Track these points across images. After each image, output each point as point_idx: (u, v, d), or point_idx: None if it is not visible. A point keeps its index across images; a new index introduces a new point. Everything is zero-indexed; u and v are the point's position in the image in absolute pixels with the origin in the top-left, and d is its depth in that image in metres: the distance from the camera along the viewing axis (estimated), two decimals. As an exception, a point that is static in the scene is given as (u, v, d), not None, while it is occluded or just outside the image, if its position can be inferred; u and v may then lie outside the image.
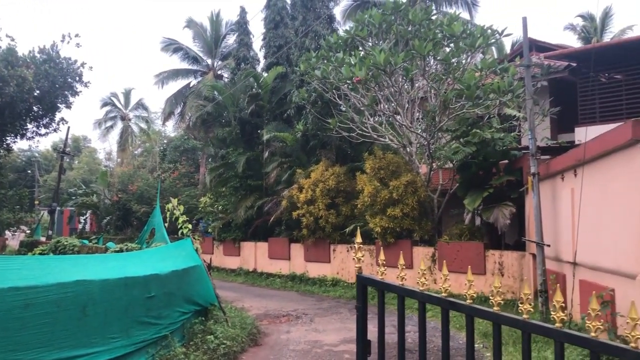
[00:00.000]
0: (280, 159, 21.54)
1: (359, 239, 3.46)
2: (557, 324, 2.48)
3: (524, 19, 11.04)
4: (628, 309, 6.83)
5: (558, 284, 10.32)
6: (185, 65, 37.56)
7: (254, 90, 23.02)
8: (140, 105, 52.38)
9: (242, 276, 21.75)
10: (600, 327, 2.40)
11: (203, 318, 9.53)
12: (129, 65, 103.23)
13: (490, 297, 2.76)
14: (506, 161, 14.82)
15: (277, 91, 22.82)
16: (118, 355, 7.28)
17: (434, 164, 16.17)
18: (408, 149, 16.67)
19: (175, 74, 37.26)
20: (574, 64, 15.76)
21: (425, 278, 3.10)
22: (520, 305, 2.63)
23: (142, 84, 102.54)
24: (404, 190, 15.60)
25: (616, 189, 7.81)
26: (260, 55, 25.69)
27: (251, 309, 13.65)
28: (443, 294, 2.97)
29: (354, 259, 3.54)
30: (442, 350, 2.96)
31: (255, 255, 22.06)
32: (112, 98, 51.43)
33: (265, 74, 23.28)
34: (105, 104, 51.04)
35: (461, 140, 14.95)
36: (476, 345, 9.48)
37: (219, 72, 36.96)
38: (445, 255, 14.61)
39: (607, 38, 32.00)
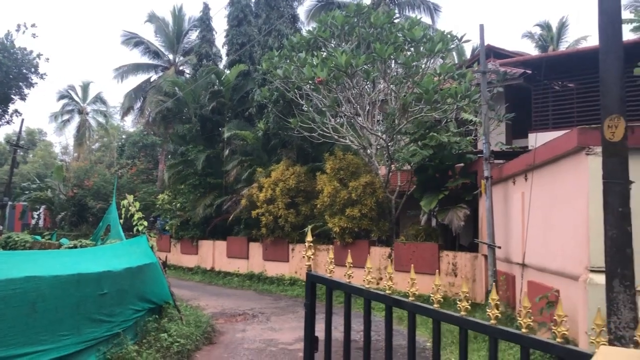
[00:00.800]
0: (240, 158, 21.46)
1: (309, 237, 3.54)
2: (492, 321, 2.61)
3: (481, 27, 11.36)
4: (571, 309, 7.13)
5: (494, 283, 10.65)
6: (146, 59, 36.97)
7: (215, 87, 22.88)
8: (98, 99, 51.17)
9: (200, 275, 21.56)
10: (531, 323, 2.53)
11: (157, 316, 9.46)
12: (87, 57, 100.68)
13: (431, 295, 2.88)
14: (462, 164, 15.18)
15: (239, 89, 22.73)
16: (68, 353, 7.16)
17: (392, 166, 16.44)
18: (368, 151, 16.88)
19: (136, 68, 36.61)
20: (529, 72, 16.26)
21: (371, 276, 3.20)
22: (458, 302, 2.75)
23: (101, 78, 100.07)
24: (362, 190, 15.79)
25: (563, 194, 8.14)
26: (223, 52, 25.55)
27: (207, 308, 13.57)
28: (387, 292, 3.08)
29: (303, 256, 3.61)
30: (385, 345, 3.07)
31: (213, 253, 21.90)
32: (70, 91, 50.07)
33: (227, 71, 23.16)
34: (62, 97, 49.63)
35: (419, 143, 15.26)
36: (428, 344, 9.70)
37: (180, 68, 36.52)
38: (402, 255, 14.87)
39: (563, 47, 33.14)
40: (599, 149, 7.04)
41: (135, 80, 38.09)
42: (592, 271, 6.96)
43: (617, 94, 6.63)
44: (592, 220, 6.87)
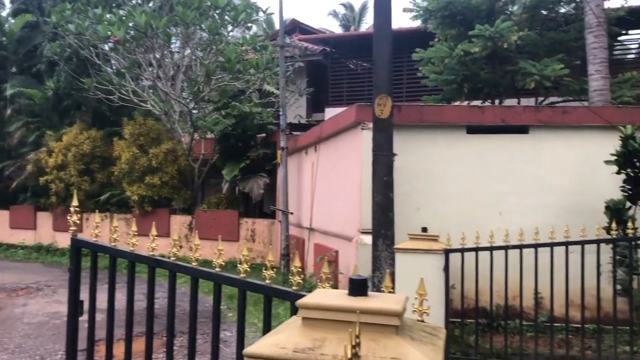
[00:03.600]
0: (26, 119, 19.43)
1: (75, 202, 3.47)
2: (242, 275, 2.87)
3: (280, 2, 11.76)
4: (347, 266, 7.92)
5: (297, 250, 11.46)
6: None
7: (-4, 37, 20.22)
8: None
9: (-23, 248, 19.25)
10: (275, 275, 2.84)
11: None
12: None
13: (190, 256, 3.05)
14: (263, 135, 15.68)
15: (25, 42, 20.32)
16: None
17: (196, 134, 16.31)
18: (171, 117, 16.48)
19: None
20: (328, 49, 17.28)
21: (135, 239, 3.26)
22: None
23: None
24: (164, 158, 15.49)
25: (343, 164, 8.97)
26: (6, -2, 22.57)
27: (-17, 284, 12.28)
28: (151, 254, 3.19)
29: (71, 221, 3.53)
30: (147, 305, 3.19)
31: (-7, 224, 19.68)
32: None
33: (11, 21, 20.59)
34: None
35: (222, 112, 15.37)
36: (222, 307, 10.02)
37: (-48, 11, 31.35)
38: (202, 223, 14.97)
39: (364, 28, 35.41)
40: (372, 124, 7.90)
41: None
42: (362, 233, 7.84)
43: (386, 75, 7.49)
44: (364, 188, 7.70)
